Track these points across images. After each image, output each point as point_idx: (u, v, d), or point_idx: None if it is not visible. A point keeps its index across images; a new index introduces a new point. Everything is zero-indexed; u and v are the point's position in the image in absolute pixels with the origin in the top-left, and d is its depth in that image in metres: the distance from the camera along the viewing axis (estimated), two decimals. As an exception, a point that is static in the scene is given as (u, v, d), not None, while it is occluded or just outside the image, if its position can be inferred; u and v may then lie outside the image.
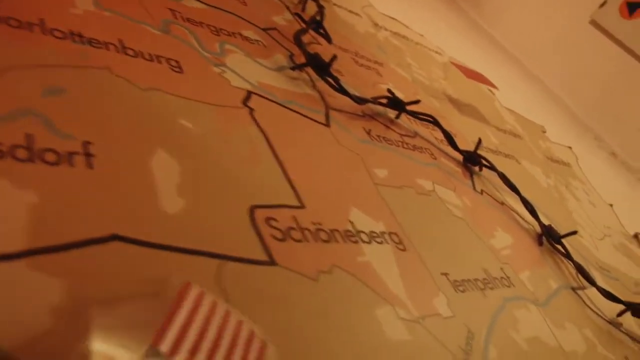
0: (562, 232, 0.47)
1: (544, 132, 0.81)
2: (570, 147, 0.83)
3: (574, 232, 0.47)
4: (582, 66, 1.20)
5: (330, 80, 0.40)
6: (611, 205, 0.73)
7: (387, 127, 0.44)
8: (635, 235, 0.70)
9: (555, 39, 1.25)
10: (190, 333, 0.18)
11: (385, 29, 0.67)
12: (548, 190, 0.61)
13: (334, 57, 0.39)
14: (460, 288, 0.33)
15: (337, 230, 0.29)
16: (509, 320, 0.34)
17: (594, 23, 1.17)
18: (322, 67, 0.40)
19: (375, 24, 0.66)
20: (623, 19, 1.12)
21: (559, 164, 0.73)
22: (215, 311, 0.20)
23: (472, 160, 0.48)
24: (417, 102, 0.44)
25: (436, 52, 0.76)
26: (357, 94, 0.44)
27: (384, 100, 0.44)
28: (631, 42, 1.11)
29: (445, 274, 0.33)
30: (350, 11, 0.63)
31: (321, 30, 0.47)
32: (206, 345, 0.18)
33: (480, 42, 1.20)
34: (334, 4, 0.62)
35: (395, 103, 0.44)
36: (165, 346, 0.17)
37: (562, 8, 1.25)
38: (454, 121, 0.57)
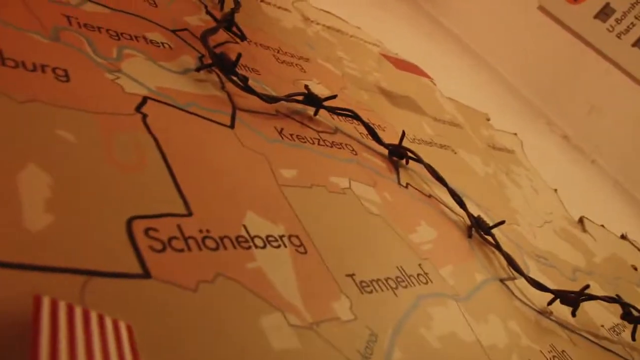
0: (499, 221, 0.47)
1: (488, 119, 0.81)
2: (515, 134, 0.83)
3: (502, 222, 0.46)
4: (533, 52, 1.20)
5: (236, 79, 0.38)
6: (555, 190, 0.73)
7: (304, 124, 0.42)
8: (580, 220, 0.70)
9: (505, 26, 1.25)
10: (60, 347, 0.17)
11: (318, 23, 0.66)
12: (486, 179, 0.60)
13: (239, 56, 0.38)
14: (367, 289, 0.32)
15: (228, 237, 0.28)
16: (422, 319, 0.33)
17: (542, 9, 1.17)
18: (228, 67, 0.38)
19: (306, 19, 0.65)
20: (569, 3, 1.12)
21: (501, 151, 0.73)
22: (73, 314, 0.19)
23: (397, 154, 0.47)
24: (334, 97, 0.43)
25: (374, 45, 0.75)
26: (272, 92, 0.43)
27: (300, 98, 0.43)
28: (578, 26, 1.11)
29: (351, 275, 0.32)
30: (279, 7, 0.62)
31: (233, 29, 0.46)
32: (81, 351, 0.17)
33: (431, 31, 1.20)
34: (262, 1, 0.61)
35: (310, 99, 0.43)
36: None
37: (512, -6, 1.26)
38: (385, 114, 0.56)
